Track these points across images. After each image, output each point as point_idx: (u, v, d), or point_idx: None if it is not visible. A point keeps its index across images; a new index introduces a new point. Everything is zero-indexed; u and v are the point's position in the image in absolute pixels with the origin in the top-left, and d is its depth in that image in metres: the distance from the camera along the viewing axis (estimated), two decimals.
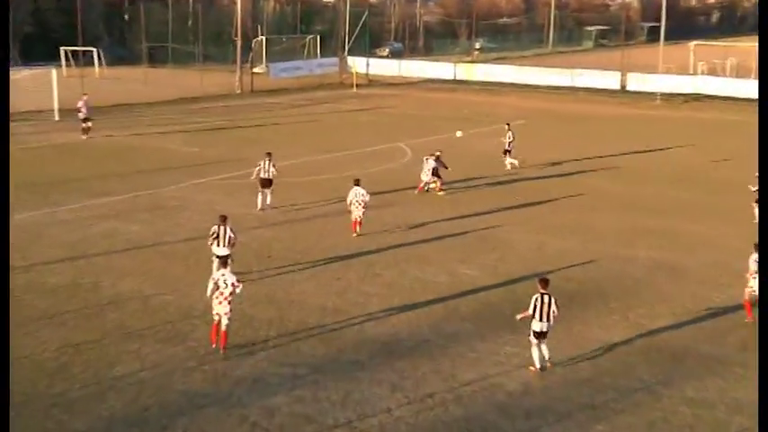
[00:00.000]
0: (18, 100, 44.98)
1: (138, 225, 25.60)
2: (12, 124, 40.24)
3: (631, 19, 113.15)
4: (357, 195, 24.43)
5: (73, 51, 66.39)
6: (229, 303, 16.82)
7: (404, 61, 71.50)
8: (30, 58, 65.25)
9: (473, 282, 21.31)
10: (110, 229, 25.14)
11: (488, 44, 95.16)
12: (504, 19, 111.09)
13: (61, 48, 66.93)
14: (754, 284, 18.48)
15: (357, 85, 64.14)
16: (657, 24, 70.44)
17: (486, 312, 19.32)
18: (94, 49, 66.89)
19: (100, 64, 67.01)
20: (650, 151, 39.01)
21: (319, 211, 27.74)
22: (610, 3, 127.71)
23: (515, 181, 32.84)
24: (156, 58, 74.45)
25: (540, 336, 16.39)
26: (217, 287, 16.84)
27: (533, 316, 16.29)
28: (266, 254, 23.04)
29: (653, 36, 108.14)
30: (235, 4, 66.20)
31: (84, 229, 24.99)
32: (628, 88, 60.13)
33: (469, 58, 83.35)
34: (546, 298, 16.26)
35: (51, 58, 63.83)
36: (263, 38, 74.94)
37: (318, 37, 76.77)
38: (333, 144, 39.87)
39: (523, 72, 65.48)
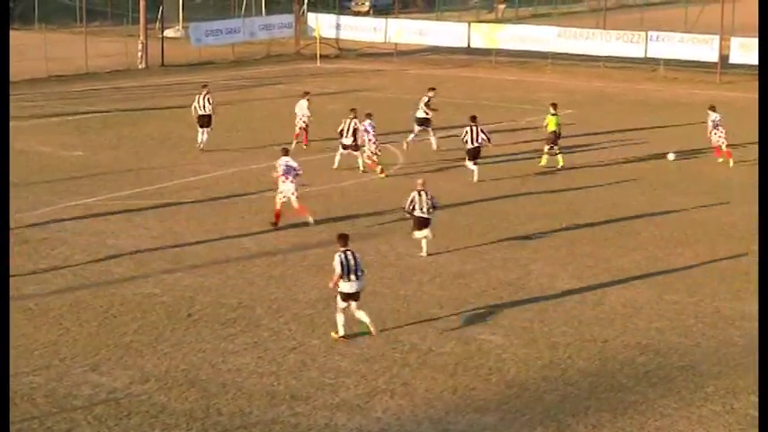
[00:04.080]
0: None
1: None
2: None
3: None
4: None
5: None
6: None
7: (393, 20, 72.01)
8: None
9: (498, 353, 21.57)
10: None
11: None
12: None
13: None
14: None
15: (322, 57, 64.67)
16: None
17: (517, 401, 19.58)
18: None
19: None
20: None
21: (265, 243, 28.01)
22: None
23: (556, 192, 33.25)
24: (14, 15, 74.67)
25: (349, 297, 21.61)
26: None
27: (341, 277, 21.44)
28: (185, 311, 23.27)
29: None
30: None
31: None
32: (731, 60, 60.61)
33: (492, 16, 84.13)
34: (350, 254, 21.56)
35: None
36: None
37: None
38: (281, 143, 40.10)
39: (572, 37, 65.75)
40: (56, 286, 24.71)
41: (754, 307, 24.07)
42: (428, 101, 39.24)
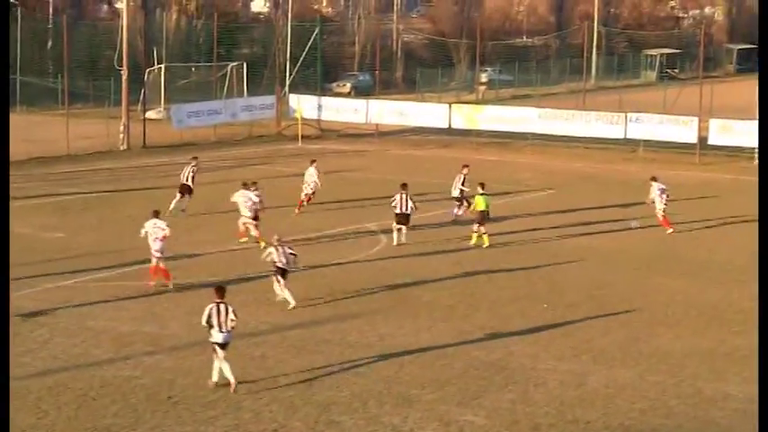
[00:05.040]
0: None
1: None
2: None
3: (714, 39, 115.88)
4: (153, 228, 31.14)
5: None
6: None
7: (374, 101, 72.48)
8: None
9: None
10: None
11: (500, 76, 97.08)
12: (525, 39, 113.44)
13: None
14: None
15: (303, 138, 64.97)
16: (752, 47, 72.37)
17: None
18: None
19: None
20: (749, 236, 39.75)
21: (245, 324, 27.94)
22: (681, 15, 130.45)
23: (537, 270, 33.31)
24: None
25: (220, 347, 23.24)
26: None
27: (212, 326, 23.09)
28: (165, 394, 23.16)
29: (746, 64, 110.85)
30: (118, 17, 67.19)
31: None
32: (710, 141, 61.14)
33: (473, 97, 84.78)
34: (222, 307, 23.16)
35: None
36: (162, 67, 75.99)
37: (245, 65, 77.80)
38: (266, 227, 40.24)
39: (552, 117, 66.22)
40: (34, 369, 24.56)
41: (736, 388, 24.10)
42: (464, 179, 40.84)
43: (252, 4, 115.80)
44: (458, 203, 41.09)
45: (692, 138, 60.82)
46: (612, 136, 62.66)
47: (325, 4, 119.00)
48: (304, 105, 69.09)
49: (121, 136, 61.25)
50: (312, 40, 74.82)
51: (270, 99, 71.90)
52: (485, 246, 37.13)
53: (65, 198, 45.63)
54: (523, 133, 64.74)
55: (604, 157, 60.24)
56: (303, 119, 66.39)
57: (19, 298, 30.10)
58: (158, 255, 31.37)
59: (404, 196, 37.19)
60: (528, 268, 34.70)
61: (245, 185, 37.73)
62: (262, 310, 29.41)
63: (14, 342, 26.29)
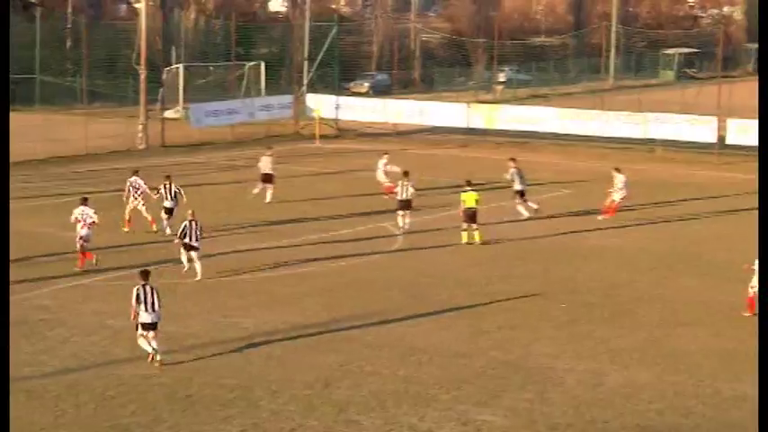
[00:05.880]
0: None
1: None
2: None
3: (732, 38, 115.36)
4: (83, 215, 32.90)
5: None
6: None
7: (391, 101, 72.50)
8: None
9: None
10: None
11: (518, 75, 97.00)
12: (543, 38, 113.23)
13: None
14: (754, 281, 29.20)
15: (321, 137, 64.99)
16: None
17: None
18: None
19: None
20: None
21: (264, 323, 27.97)
22: (700, 14, 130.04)
23: (554, 270, 33.25)
24: (16, 97, 75.10)
25: (148, 327, 24.63)
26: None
27: (139, 308, 24.51)
28: (183, 393, 23.20)
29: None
30: (137, 16, 67.33)
31: None
32: (728, 141, 60.96)
33: (490, 96, 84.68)
34: (148, 288, 24.72)
35: None
36: (180, 67, 76.08)
37: (263, 65, 77.90)
38: (281, 227, 40.31)
39: (571, 117, 66.14)
40: (53, 368, 24.64)
41: (754, 388, 24.02)
42: (519, 172, 41.69)
43: (270, 3, 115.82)
44: (522, 198, 41.66)
45: (711, 137, 60.74)
46: (631, 135, 62.61)
47: (342, 3, 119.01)
48: (321, 104, 69.15)
49: (140, 135, 61.35)
50: (329, 39, 74.77)
51: (287, 98, 71.95)
52: (477, 242, 37.15)
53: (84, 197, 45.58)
54: (542, 133, 64.68)
55: (623, 157, 60.01)
56: (321, 118, 66.44)
57: (38, 296, 30.25)
58: (83, 241, 32.92)
59: (405, 184, 38.99)
60: (546, 268, 34.66)
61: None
62: (280, 309, 29.44)
63: (32, 340, 26.43)
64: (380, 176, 45.35)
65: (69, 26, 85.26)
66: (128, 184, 39.04)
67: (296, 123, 69.43)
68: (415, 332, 27.70)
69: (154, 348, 24.72)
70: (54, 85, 76.36)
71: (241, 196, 45.91)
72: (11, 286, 30.88)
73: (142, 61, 62.45)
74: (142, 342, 24.80)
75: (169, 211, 38.28)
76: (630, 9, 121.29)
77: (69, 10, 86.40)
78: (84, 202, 34.03)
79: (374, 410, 22.40)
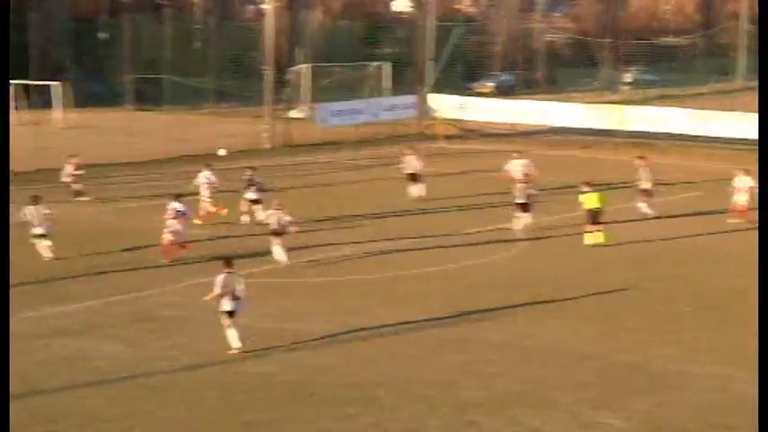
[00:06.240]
0: None
1: (116, 345, 26.26)
2: None
3: None
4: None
5: (24, 86, 68.73)
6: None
7: (515, 101, 72.23)
8: None
9: None
10: (74, 351, 25.84)
11: (645, 75, 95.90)
12: (671, 38, 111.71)
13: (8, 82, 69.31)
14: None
15: (444, 137, 65.02)
16: None
17: None
18: (56, 84, 69.10)
19: (63, 105, 69.10)
20: None
21: (386, 323, 28.06)
22: None
23: (679, 274, 32.87)
24: (145, 97, 76.56)
25: (229, 315, 25.18)
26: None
27: (223, 296, 25.06)
28: (306, 390, 23.40)
29: None
30: (263, 16, 68.09)
31: (36, 352, 25.73)
32: None
33: (616, 97, 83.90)
34: (233, 277, 25.19)
35: None
36: (307, 67, 76.69)
37: (387, 65, 78.12)
38: (404, 227, 40.42)
39: (697, 118, 65.17)
40: (180, 364, 25.03)
41: None
42: (647, 170, 42.23)
43: (394, 4, 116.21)
44: (648, 197, 41.70)
45: None
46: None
47: (467, 3, 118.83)
48: (445, 105, 69.23)
49: (265, 134, 62.02)
50: (454, 39, 74.78)
51: (411, 99, 72.13)
52: (603, 243, 36.77)
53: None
54: (667, 133, 63.89)
55: (751, 159, 58.97)
56: (444, 118, 66.50)
57: (164, 293, 30.75)
58: (174, 236, 34.15)
59: (524, 186, 39.41)
60: (672, 270, 34.27)
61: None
62: (402, 308, 29.53)
63: (159, 336, 26.89)
64: (515, 172, 44.47)
65: (197, 27, 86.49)
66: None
67: (420, 123, 69.56)
68: (539, 333, 27.59)
69: (232, 335, 25.38)
70: (181, 85, 77.48)
71: (364, 195, 46.20)
72: (138, 283, 31.59)
73: (268, 61, 63.13)
74: (230, 333, 25.50)
75: (256, 202, 39.82)
76: None
77: (198, 11, 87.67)
78: (177, 198, 35.06)
79: (495, 412, 22.36)
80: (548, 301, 30.56)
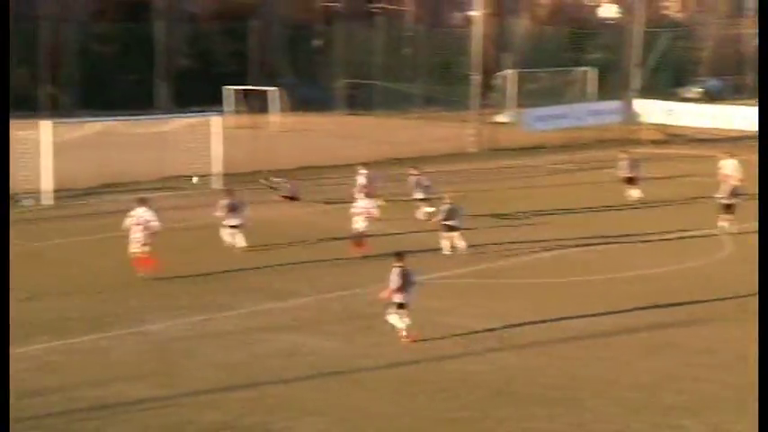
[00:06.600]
0: (168, 159, 48.32)
1: (328, 341, 26.69)
2: (156, 194, 43.26)
3: None
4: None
5: (244, 92, 70.55)
6: None
7: (723, 107, 70.63)
8: (185, 102, 69.74)
9: None
10: (288, 346, 26.34)
11: None
12: None
13: (227, 87, 71.25)
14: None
15: (651, 142, 64.04)
16: None
17: None
18: (273, 89, 70.69)
19: (280, 109, 70.67)
20: None
21: (591, 325, 27.81)
22: None
23: None
24: (356, 102, 77.66)
25: (402, 307, 25.90)
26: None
27: (396, 290, 25.70)
28: (509, 390, 23.33)
29: None
30: (471, 24, 68.28)
31: (252, 346, 26.29)
32: None
33: None
34: (404, 270, 25.90)
35: (214, 100, 68.01)
36: (513, 72, 76.58)
37: (593, 71, 77.39)
38: (607, 227, 39.96)
39: None
40: (387, 360, 25.27)
41: None
42: None
43: (599, 9, 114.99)
44: None
45: None
46: None
47: (676, 9, 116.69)
48: (651, 110, 68.20)
49: (471, 138, 62.15)
50: (662, 44, 73.60)
51: (616, 104, 71.32)
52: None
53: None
54: None
55: None
56: (651, 123, 65.53)
57: (372, 292, 31.00)
58: (360, 232, 34.10)
59: (731, 188, 39.52)
60: None
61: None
62: (603, 311, 29.19)
63: (367, 334, 27.16)
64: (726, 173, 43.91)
65: (408, 34, 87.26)
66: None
67: (625, 128, 68.67)
68: (743, 339, 26.86)
69: (406, 324, 26.07)
70: (391, 90, 78.27)
71: (569, 198, 45.87)
72: (348, 281, 32.01)
73: (475, 67, 63.26)
74: (393, 318, 26.15)
75: (424, 201, 41.09)
76: None
77: (408, 18, 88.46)
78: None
79: (699, 416, 21.91)
80: (753, 308, 29.76)
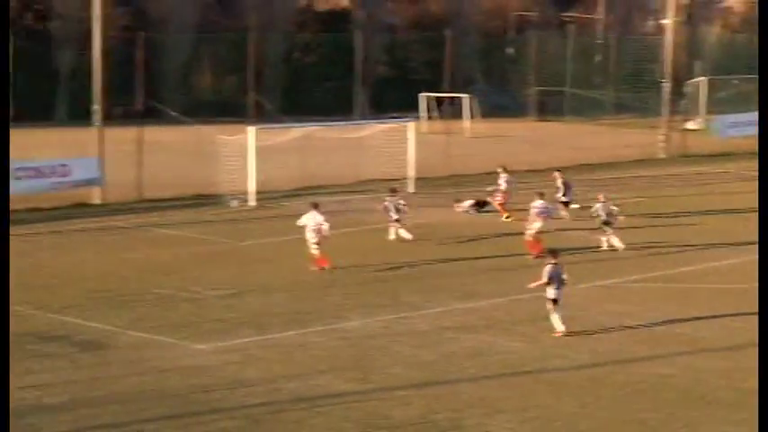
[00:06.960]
0: (364, 163, 48.94)
1: (518, 341, 26.67)
2: (355, 196, 43.95)
3: None
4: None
5: (438, 98, 71.03)
6: None
7: None
8: (383, 108, 70.72)
9: None
10: (479, 345, 26.45)
11: None
12: None
13: (422, 94, 71.81)
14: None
15: None
16: None
17: None
18: (466, 96, 71.00)
19: (472, 116, 70.94)
20: None
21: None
22: None
23: None
24: (547, 108, 77.35)
25: (554, 302, 26.39)
26: None
27: (548, 284, 26.32)
28: (698, 393, 22.97)
29: None
30: (663, 32, 67.31)
31: (444, 344, 26.48)
32: None
33: None
34: (557, 267, 26.35)
35: (409, 107, 68.66)
36: (704, 79, 75.19)
37: None
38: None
39: None
40: (574, 361, 25.15)
41: None
42: None
43: None
44: None
45: None
46: None
47: None
48: None
49: (661, 145, 61.25)
50: None
51: None
52: None
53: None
54: None
55: None
56: None
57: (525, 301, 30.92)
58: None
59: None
60: None
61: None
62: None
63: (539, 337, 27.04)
64: None
65: (599, 42, 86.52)
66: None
67: None
68: None
69: (556, 320, 26.60)
70: (582, 97, 77.73)
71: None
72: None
73: (667, 74, 62.36)
74: (554, 319, 26.66)
75: (567, 204, 41.61)
76: None
77: (600, 27, 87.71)
78: (542, 195, 36.37)
79: None
80: None
